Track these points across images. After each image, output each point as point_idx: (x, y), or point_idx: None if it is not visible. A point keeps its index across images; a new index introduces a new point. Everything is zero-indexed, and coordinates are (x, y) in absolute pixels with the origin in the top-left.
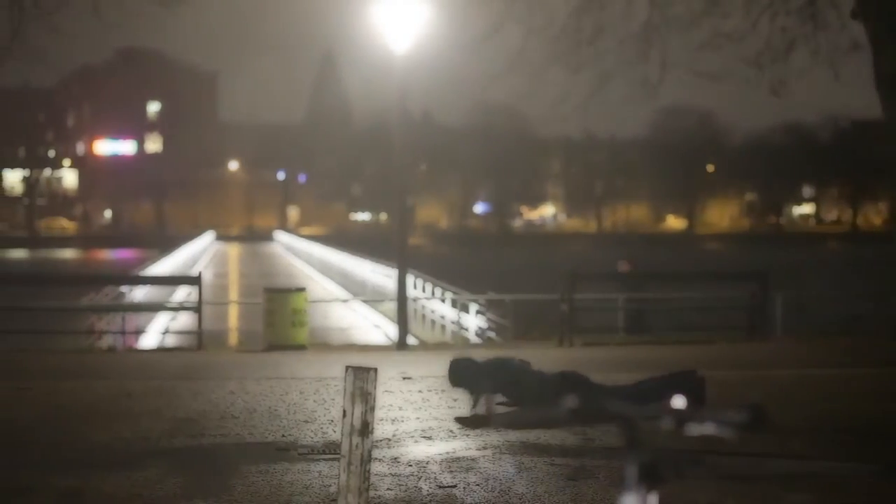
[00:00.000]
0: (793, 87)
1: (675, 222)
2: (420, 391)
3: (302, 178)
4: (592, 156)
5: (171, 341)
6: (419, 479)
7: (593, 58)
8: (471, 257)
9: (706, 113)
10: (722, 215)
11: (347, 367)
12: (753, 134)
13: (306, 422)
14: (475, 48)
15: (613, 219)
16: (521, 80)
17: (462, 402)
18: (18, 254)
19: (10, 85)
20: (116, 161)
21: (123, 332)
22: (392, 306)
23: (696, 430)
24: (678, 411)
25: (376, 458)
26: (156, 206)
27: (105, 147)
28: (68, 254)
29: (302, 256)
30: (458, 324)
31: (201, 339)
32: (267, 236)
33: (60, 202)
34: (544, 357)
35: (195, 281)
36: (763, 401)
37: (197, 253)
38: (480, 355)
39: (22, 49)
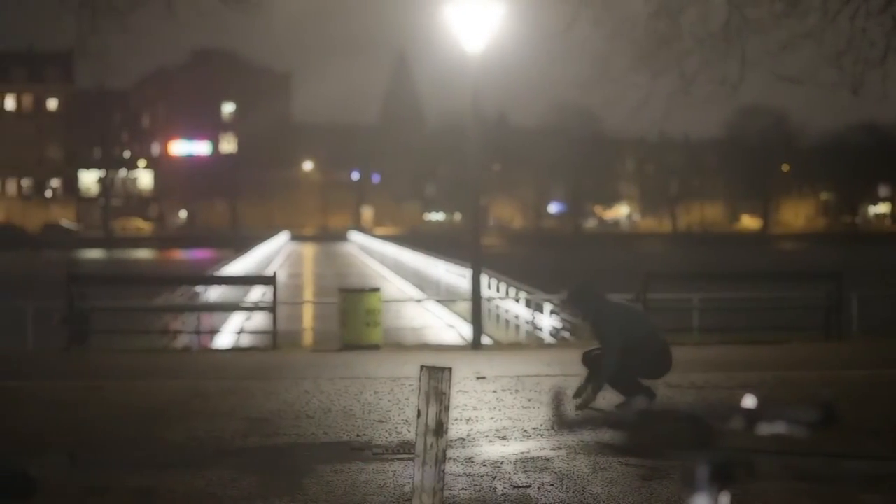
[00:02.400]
0: (872, 86)
1: (749, 222)
2: (494, 391)
3: (376, 179)
4: (667, 156)
5: (245, 341)
6: (493, 478)
7: (673, 60)
8: (544, 257)
9: (781, 112)
10: (797, 215)
11: (422, 367)
12: (829, 133)
13: (381, 421)
14: (550, 48)
15: (688, 219)
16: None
17: (536, 403)
18: (94, 254)
19: (87, 86)
20: (191, 161)
21: (198, 332)
22: (466, 306)
23: (766, 429)
24: (749, 410)
25: (451, 458)
26: (230, 207)
27: (180, 148)
28: (143, 254)
29: (376, 256)
30: (532, 324)
31: (276, 339)
32: (341, 236)
33: (136, 203)
34: None
35: (270, 281)
36: (837, 400)
37: (271, 253)
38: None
39: (95, 50)
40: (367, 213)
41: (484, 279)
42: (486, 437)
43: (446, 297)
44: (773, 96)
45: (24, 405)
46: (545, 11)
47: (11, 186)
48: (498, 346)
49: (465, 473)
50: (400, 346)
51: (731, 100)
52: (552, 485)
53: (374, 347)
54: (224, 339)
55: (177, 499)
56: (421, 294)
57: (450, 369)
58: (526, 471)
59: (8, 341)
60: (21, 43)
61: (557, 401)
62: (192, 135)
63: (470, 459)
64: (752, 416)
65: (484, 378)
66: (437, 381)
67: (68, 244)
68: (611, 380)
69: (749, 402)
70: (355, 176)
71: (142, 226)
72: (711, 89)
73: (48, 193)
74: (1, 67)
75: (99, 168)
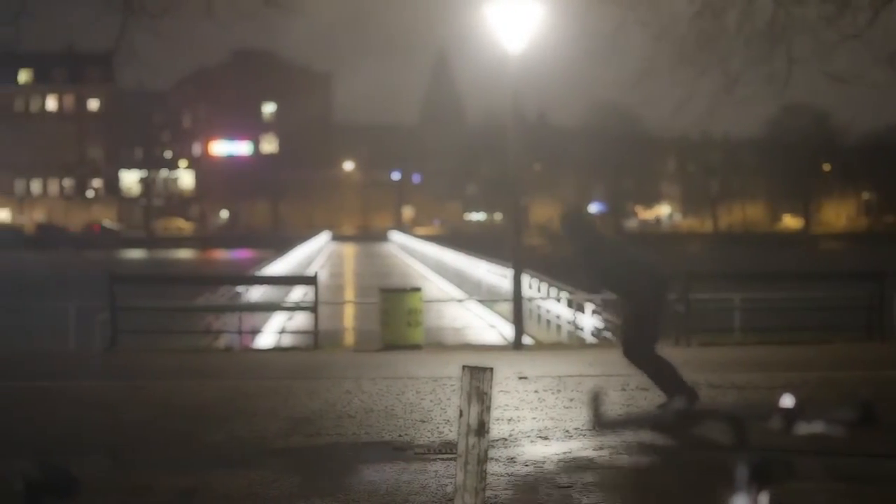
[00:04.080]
0: None
1: (791, 222)
2: (536, 391)
3: (416, 179)
4: (708, 155)
5: (287, 341)
6: (535, 478)
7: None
8: None
9: (822, 111)
10: (838, 215)
11: (464, 367)
12: (870, 133)
13: (422, 421)
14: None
15: (729, 218)
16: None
17: (578, 403)
18: (136, 254)
19: (128, 87)
20: (232, 162)
21: (240, 332)
22: (507, 306)
23: (804, 428)
24: (787, 410)
25: (493, 458)
26: (271, 207)
27: (221, 148)
28: (185, 254)
29: (417, 256)
30: (573, 323)
31: (317, 339)
32: (382, 236)
33: (177, 203)
34: None
35: (311, 281)
36: (876, 400)
37: (312, 253)
38: None
39: (136, 51)
40: (408, 212)
41: (525, 279)
42: (528, 437)
43: (487, 297)
44: (814, 95)
45: (66, 405)
46: (586, 11)
47: (53, 187)
48: (539, 346)
49: (507, 473)
50: (441, 346)
51: (777, 99)
52: (594, 485)
53: (416, 347)
54: (266, 339)
55: (219, 499)
56: (462, 294)
57: (491, 369)
58: (568, 471)
59: (50, 341)
60: (62, 43)
61: (596, 401)
62: (232, 135)
63: (512, 459)
64: (790, 416)
65: (525, 378)
66: (478, 381)
67: (110, 244)
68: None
69: (787, 401)
70: (396, 176)
71: (183, 226)
72: (755, 88)
73: (90, 194)
74: (42, 68)
75: (140, 168)
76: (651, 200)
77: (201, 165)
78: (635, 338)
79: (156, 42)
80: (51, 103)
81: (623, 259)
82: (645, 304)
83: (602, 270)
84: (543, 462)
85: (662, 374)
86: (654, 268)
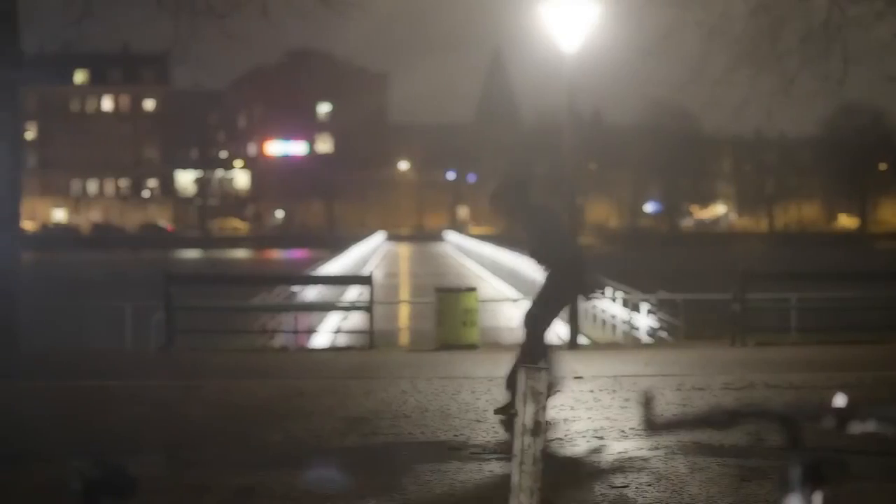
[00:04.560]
0: None
1: (847, 221)
2: (591, 391)
3: (471, 178)
4: (763, 155)
5: (342, 340)
6: (591, 479)
7: (773, 58)
8: (641, 257)
9: (878, 111)
10: (895, 213)
11: (519, 367)
12: None
13: (478, 421)
14: (646, 46)
15: (785, 218)
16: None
17: (633, 403)
18: (191, 254)
19: (183, 87)
20: (287, 162)
21: (296, 332)
22: None
23: (858, 428)
24: (840, 409)
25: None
26: (326, 207)
27: (276, 148)
28: (240, 254)
29: (472, 256)
30: (629, 323)
31: (373, 339)
32: (437, 236)
33: (232, 203)
34: (717, 357)
35: (367, 281)
36: None
37: (368, 253)
38: None
39: (193, 52)
40: (463, 212)
41: None
42: (584, 436)
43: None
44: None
45: (123, 405)
46: (642, 11)
47: (109, 187)
48: (595, 346)
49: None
50: (497, 345)
51: (833, 98)
52: (649, 485)
53: (471, 347)
54: (321, 339)
55: (275, 498)
56: (517, 293)
57: (547, 369)
58: (623, 471)
59: (107, 341)
60: (117, 44)
61: (647, 401)
62: (288, 135)
63: (567, 459)
64: (843, 416)
65: (581, 378)
66: (534, 381)
67: (165, 244)
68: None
69: (840, 401)
70: (451, 175)
71: (238, 226)
72: (811, 88)
73: (145, 194)
74: (98, 69)
75: (195, 168)
76: (706, 200)
77: (257, 165)
78: (541, 311)
79: (212, 42)
80: (106, 103)
81: (557, 235)
82: (563, 285)
83: (537, 238)
84: (599, 462)
85: (532, 355)
86: (580, 255)
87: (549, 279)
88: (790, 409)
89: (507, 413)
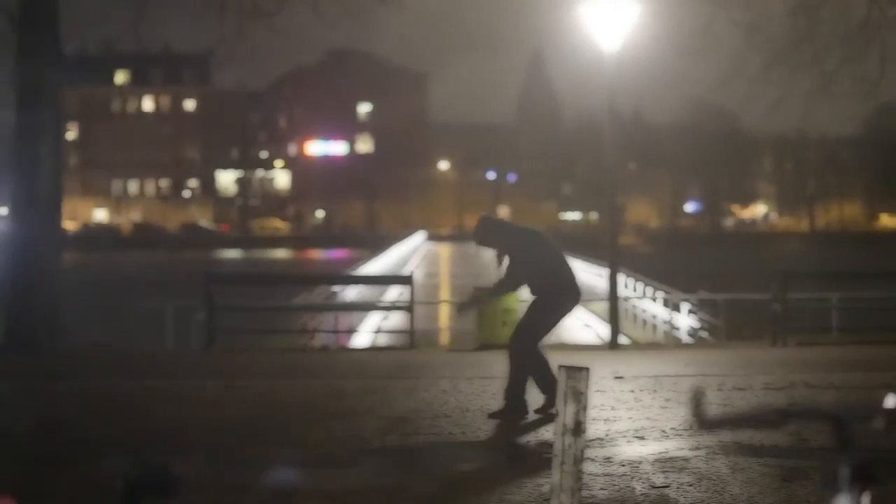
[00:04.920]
0: None
1: (888, 221)
2: (632, 391)
3: (512, 178)
4: (804, 154)
5: (383, 340)
6: (632, 478)
7: (812, 57)
8: (682, 256)
9: None
10: None
11: (560, 367)
12: None
13: (518, 420)
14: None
15: (826, 217)
16: (741, 85)
17: (674, 403)
18: (232, 254)
19: (224, 87)
20: (328, 162)
21: (336, 332)
22: (603, 306)
23: None
24: (890, 411)
25: (589, 458)
26: (367, 207)
27: (317, 148)
28: (281, 254)
29: None
30: (669, 323)
31: (413, 339)
32: None
33: (273, 203)
34: (758, 357)
35: (407, 280)
36: None
37: (408, 253)
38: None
39: (237, 52)
40: (504, 212)
41: (621, 278)
42: (624, 436)
43: (583, 297)
44: None
45: (164, 404)
46: (681, 10)
47: (150, 187)
48: (635, 346)
49: (603, 473)
50: None
51: (871, 97)
52: (691, 485)
53: None
54: (362, 339)
55: (316, 497)
56: None
57: (588, 369)
58: (664, 471)
59: (148, 341)
60: (158, 44)
61: (697, 400)
62: (328, 135)
63: (608, 459)
64: (893, 417)
65: (621, 378)
66: (574, 381)
67: (206, 244)
68: (521, 332)
69: (891, 401)
70: (491, 175)
71: (279, 226)
72: (851, 87)
73: (186, 194)
74: (139, 69)
75: (236, 168)
76: (747, 199)
77: (297, 165)
78: (528, 333)
79: (255, 42)
80: (147, 104)
81: (544, 261)
82: (553, 310)
83: (523, 265)
84: (639, 462)
85: (522, 376)
86: (572, 279)
87: (537, 303)
88: (840, 409)
89: (501, 418)
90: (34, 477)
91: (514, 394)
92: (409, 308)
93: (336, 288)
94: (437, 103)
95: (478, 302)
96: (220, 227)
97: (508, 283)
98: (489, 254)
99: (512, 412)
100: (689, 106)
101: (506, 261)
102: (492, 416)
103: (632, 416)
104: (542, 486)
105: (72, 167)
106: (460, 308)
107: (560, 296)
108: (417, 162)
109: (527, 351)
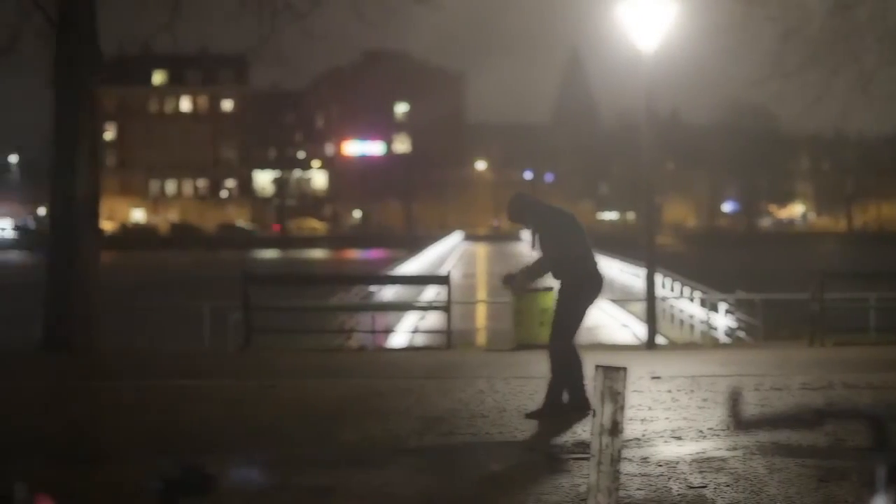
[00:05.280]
0: None
1: None
2: (669, 391)
3: (549, 178)
4: (842, 153)
5: (420, 340)
6: (669, 479)
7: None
8: (719, 256)
9: None
10: None
11: (597, 367)
12: None
13: (556, 421)
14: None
15: (864, 217)
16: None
17: (712, 403)
18: (269, 254)
19: (261, 87)
20: (365, 162)
21: (373, 332)
22: (640, 305)
23: None
24: None
25: (626, 458)
26: (404, 206)
27: (354, 148)
28: (318, 254)
29: None
30: (707, 323)
31: (450, 339)
32: (514, 236)
33: (310, 203)
34: (795, 357)
35: (444, 280)
36: None
37: (445, 253)
38: None
39: (273, 52)
40: None
41: (658, 278)
42: (662, 437)
43: (620, 297)
44: None
45: (201, 404)
46: (719, 9)
47: (187, 187)
48: (672, 346)
49: (640, 473)
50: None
51: None
52: (728, 485)
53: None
54: (399, 339)
55: (354, 498)
56: None
57: (625, 369)
58: (701, 471)
59: (185, 341)
60: (194, 45)
61: (734, 400)
62: (365, 135)
63: (645, 459)
64: None
65: (659, 378)
66: (612, 381)
67: (243, 244)
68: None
69: None
70: (528, 175)
71: (316, 226)
72: (890, 87)
73: (223, 194)
74: (176, 70)
75: (273, 168)
76: (785, 199)
77: (334, 165)
78: (562, 329)
79: (291, 43)
80: (185, 104)
81: (573, 245)
82: (579, 296)
83: (551, 249)
84: (677, 462)
85: (564, 374)
86: (595, 266)
87: (563, 296)
88: (878, 410)
89: (539, 417)
90: (71, 477)
91: (555, 393)
92: (446, 308)
93: (373, 288)
94: (474, 103)
95: (521, 278)
96: (271, 227)
97: (545, 263)
98: (526, 251)
99: (552, 412)
100: (727, 105)
101: (538, 241)
102: (529, 415)
103: (669, 417)
104: (579, 486)
105: (109, 167)
106: (506, 280)
107: (585, 283)
108: (454, 162)
109: (567, 348)
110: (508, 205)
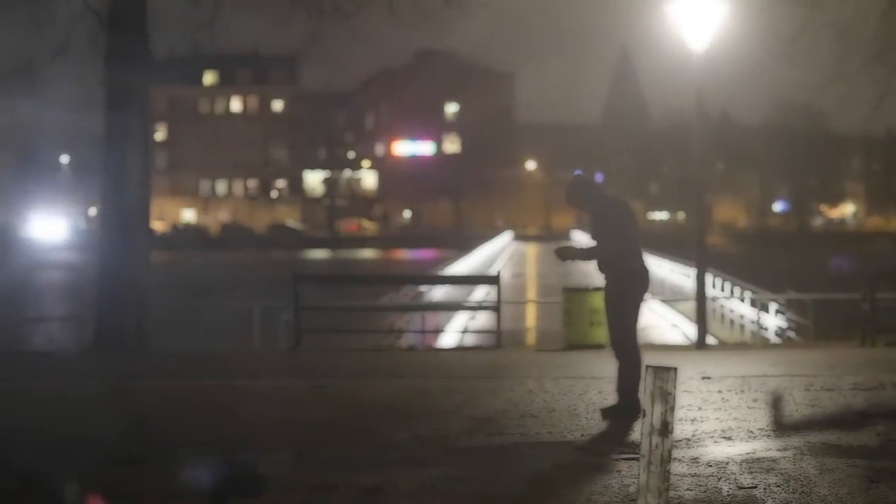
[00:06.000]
0: None
1: None
2: (719, 391)
3: (599, 178)
4: (893, 153)
5: (470, 340)
6: (719, 479)
7: None
8: (770, 256)
9: None
10: None
11: (647, 367)
12: None
13: (605, 421)
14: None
15: None
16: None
17: (762, 404)
18: (319, 254)
19: (312, 87)
20: (415, 162)
21: (423, 332)
22: (690, 306)
23: None
24: None
25: (676, 459)
26: (454, 207)
27: (404, 148)
28: (368, 254)
29: None
30: (757, 323)
31: (500, 338)
32: (564, 236)
33: (360, 203)
34: (846, 357)
35: (494, 280)
36: None
37: (495, 253)
38: None
39: (323, 52)
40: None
41: (708, 278)
42: (712, 437)
43: (670, 297)
44: None
45: (251, 404)
46: (770, 9)
47: (238, 187)
48: (722, 346)
49: (690, 474)
50: None
51: None
52: (778, 486)
53: (599, 347)
54: (448, 339)
55: (403, 497)
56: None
57: (675, 369)
58: (752, 472)
59: (236, 341)
60: (246, 46)
61: (780, 400)
62: (415, 135)
63: (695, 460)
64: None
65: (709, 378)
66: (662, 381)
67: (293, 244)
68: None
69: None
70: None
71: (366, 226)
72: None
73: (274, 194)
74: (227, 70)
75: (323, 169)
76: (836, 199)
77: (384, 165)
78: (622, 327)
79: (342, 43)
80: (235, 105)
81: (628, 238)
82: (626, 295)
83: (605, 238)
84: (727, 463)
85: (634, 374)
86: (644, 262)
87: (611, 294)
88: None
89: (613, 416)
90: (122, 477)
91: (628, 392)
92: (495, 308)
93: (423, 288)
94: (524, 103)
95: (574, 252)
96: (348, 227)
97: (600, 249)
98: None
99: (626, 411)
100: (778, 105)
101: (594, 228)
102: (604, 414)
103: (719, 417)
104: (628, 486)
105: (160, 168)
106: (560, 251)
107: (632, 281)
108: (504, 162)
109: (632, 345)
110: (569, 186)
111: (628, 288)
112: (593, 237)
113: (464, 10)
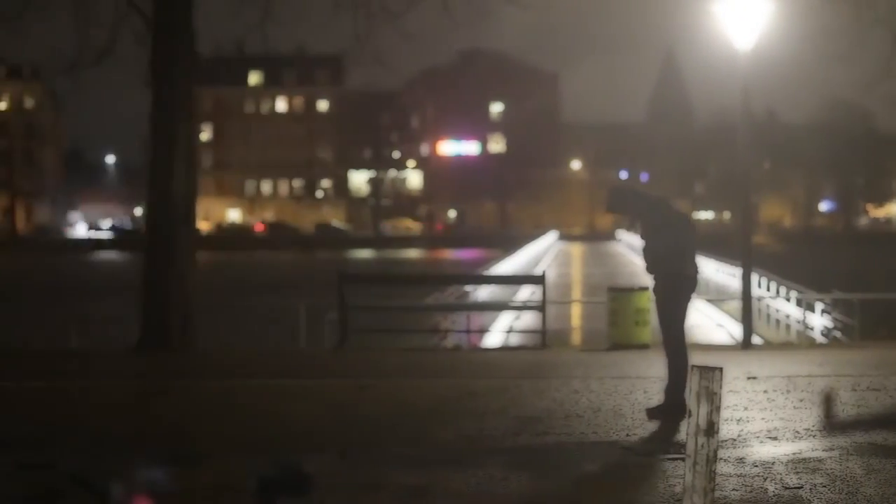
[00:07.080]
0: None
1: None
2: (765, 391)
3: (644, 177)
4: None
5: (515, 340)
6: (765, 479)
7: None
8: (816, 256)
9: None
10: None
11: (693, 367)
12: None
13: (651, 421)
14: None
15: None
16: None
17: (808, 404)
18: (364, 254)
19: (357, 87)
20: (460, 162)
21: (468, 331)
22: (736, 305)
23: None
24: None
25: (721, 459)
26: (499, 206)
27: (449, 148)
28: (413, 254)
29: None
30: (803, 323)
31: (545, 338)
32: (609, 236)
33: (405, 203)
34: (893, 358)
35: (539, 280)
36: None
37: (540, 252)
38: None
39: (369, 52)
40: None
41: (754, 278)
42: (757, 437)
43: (716, 297)
44: None
45: (297, 403)
46: (818, 7)
47: (283, 187)
48: (768, 346)
49: (735, 474)
50: None
51: None
52: (824, 486)
53: (644, 347)
54: (493, 339)
55: (449, 497)
56: None
57: (721, 369)
58: (797, 472)
59: (281, 340)
60: (291, 46)
61: (828, 400)
62: (460, 135)
63: (741, 460)
64: None
65: (755, 378)
66: (708, 381)
67: (339, 244)
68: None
69: None
70: (623, 175)
71: (411, 226)
72: None
73: (319, 194)
74: (272, 70)
75: (369, 168)
76: (882, 198)
77: (429, 165)
78: (672, 328)
79: (388, 42)
80: (280, 105)
81: (677, 240)
82: (674, 297)
83: (649, 240)
84: (772, 463)
85: (682, 375)
86: (695, 266)
87: (660, 295)
88: None
89: (660, 416)
90: (170, 477)
91: (674, 392)
92: (541, 308)
93: (468, 288)
94: (569, 103)
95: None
96: (405, 226)
97: (645, 252)
98: (620, 252)
99: (671, 411)
100: (824, 104)
101: (641, 230)
102: (651, 414)
103: (765, 417)
104: (674, 486)
105: (205, 168)
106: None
107: (678, 282)
108: (549, 161)
109: (681, 345)
110: (608, 193)
111: (677, 289)
112: (642, 238)
113: (519, 5)
